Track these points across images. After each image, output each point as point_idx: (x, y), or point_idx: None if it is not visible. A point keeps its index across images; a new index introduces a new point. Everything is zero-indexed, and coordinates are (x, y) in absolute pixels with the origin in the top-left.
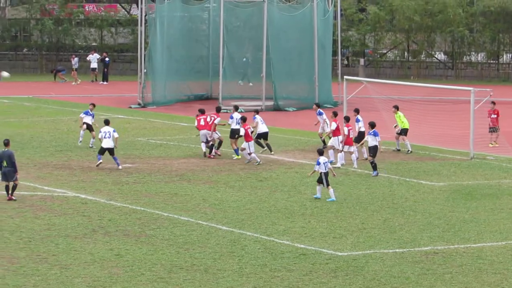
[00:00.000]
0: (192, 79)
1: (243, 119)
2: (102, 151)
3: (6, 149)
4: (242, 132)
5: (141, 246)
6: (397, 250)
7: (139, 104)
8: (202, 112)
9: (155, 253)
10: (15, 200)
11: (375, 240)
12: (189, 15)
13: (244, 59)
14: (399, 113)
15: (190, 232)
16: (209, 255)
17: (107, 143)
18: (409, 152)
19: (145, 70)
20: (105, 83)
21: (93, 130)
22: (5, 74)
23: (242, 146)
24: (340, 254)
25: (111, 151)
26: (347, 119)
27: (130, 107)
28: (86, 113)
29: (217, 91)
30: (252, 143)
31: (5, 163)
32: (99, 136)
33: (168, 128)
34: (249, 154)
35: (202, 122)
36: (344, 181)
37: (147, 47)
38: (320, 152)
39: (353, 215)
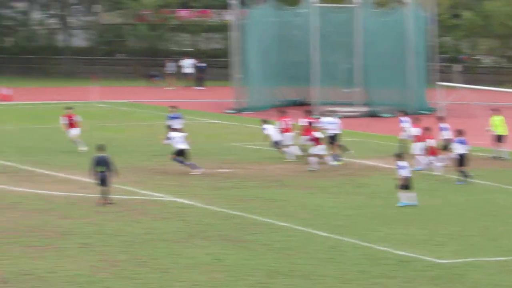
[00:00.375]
0: (285, 84)
1: (310, 124)
2: (179, 152)
3: (102, 154)
4: (317, 135)
5: (240, 251)
6: (498, 259)
7: (234, 109)
8: (283, 113)
9: (254, 258)
10: (112, 203)
11: (476, 248)
12: (282, 20)
13: (347, 65)
14: (498, 117)
15: (288, 238)
16: (309, 260)
17: (183, 145)
18: (504, 159)
19: (239, 76)
20: (200, 88)
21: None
22: None
23: (313, 151)
24: (440, 261)
25: (184, 152)
26: (427, 129)
27: (226, 112)
28: (171, 118)
29: (311, 97)
30: (323, 147)
31: (102, 168)
32: (169, 141)
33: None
34: (310, 156)
35: (284, 125)
36: (442, 187)
37: (241, 52)
38: (399, 156)
39: (453, 222)
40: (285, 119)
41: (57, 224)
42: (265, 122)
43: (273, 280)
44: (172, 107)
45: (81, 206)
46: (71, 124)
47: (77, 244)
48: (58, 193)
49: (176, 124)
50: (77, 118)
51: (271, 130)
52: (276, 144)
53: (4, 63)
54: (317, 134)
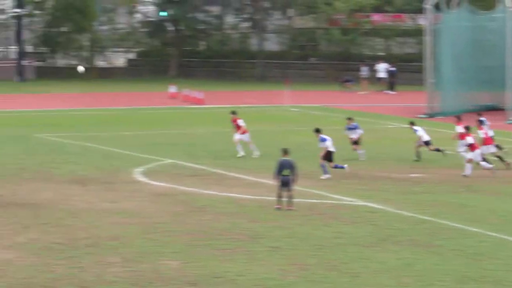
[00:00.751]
0: (479, 89)
1: (467, 128)
2: (328, 155)
3: (286, 158)
4: (470, 140)
5: (430, 256)
6: None
7: (426, 114)
8: (459, 118)
9: (445, 263)
10: (293, 210)
11: None
12: (476, 25)
13: None
14: None
15: (479, 243)
16: (500, 266)
17: (332, 148)
18: None
19: (432, 80)
20: (392, 92)
21: (359, 144)
22: (81, 68)
23: (469, 157)
24: None
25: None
26: None
27: (417, 117)
28: (349, 129)
29: (505, 102)
30: (478, 152)
31: (286, 172)
32: (325, 145)
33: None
34: (482, 162)
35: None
36: None
37: (434, 57)
38: None
39: None
40: (461, 124)
41: (247, 227)
42: (413, 123)
43: (463, 286)
44: (349, 118)
45: (271, 210)
46: (237, 128)
47: (266, 248)
48: (247, 196)
49: (354, 134)
50: (241, 122)
51: (421, 132)
52: (426, 144)
53: (197, 67)
54: (471, 139)
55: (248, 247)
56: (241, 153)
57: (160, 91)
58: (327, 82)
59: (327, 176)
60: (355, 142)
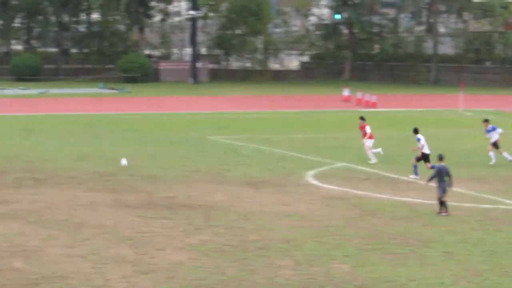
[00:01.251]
0: None
1: None
2: (424, 157)
3: (443, 164)
4: None
5: None
6: None
7: None
8: None
9: None
10: (446, 214)
11: None
12: None
13: None
14: None
15: None
16: None
17: (428, 150)
18: None
19: None
20: None
21: (498, 147)
22: (124, 162)
23: None
24: None
25: (428, 157)
26: None
27: None
28: (488, 131)
29: None
30: None
31: (445, 178)
32: (421, 146)
33: None
34: None
35: None
36: None
37: None
38: None
39: None
40: None
41: (419, 231)
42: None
43: None
44: (485, 120)
45: (443, 215)
46: (364, 135)
47: (439, 253)
48: (419, 200)
49: (494, 136)
50: (369, 129)
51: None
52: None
53: (370, 70)
54: None
55: (420, 252)
56: (374, 160)
57: (333, 94)
58: (502, 86)
59: (415, 177)
60: (495, 145)
